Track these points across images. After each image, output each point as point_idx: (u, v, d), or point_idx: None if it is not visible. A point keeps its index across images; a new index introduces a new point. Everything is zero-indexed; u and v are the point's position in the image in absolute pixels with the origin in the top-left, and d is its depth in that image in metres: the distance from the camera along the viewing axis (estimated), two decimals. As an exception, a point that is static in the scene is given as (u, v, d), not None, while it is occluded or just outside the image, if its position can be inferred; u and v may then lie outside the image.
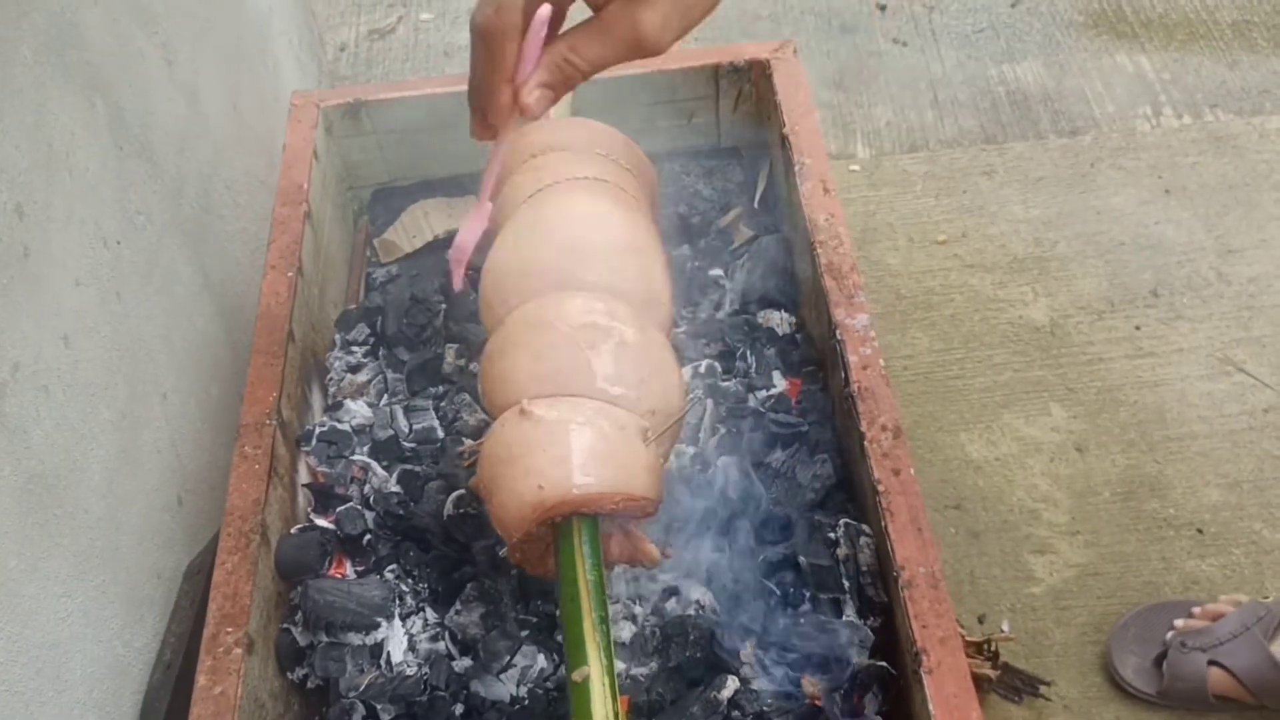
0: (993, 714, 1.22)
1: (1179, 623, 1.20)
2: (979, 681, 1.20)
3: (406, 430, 1.00)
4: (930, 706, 0.73)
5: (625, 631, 0.87)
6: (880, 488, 0.84)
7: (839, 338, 0.93)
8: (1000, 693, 1.22)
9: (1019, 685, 1.22)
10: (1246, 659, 1.14)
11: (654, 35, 0.60)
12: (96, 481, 0.90)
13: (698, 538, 0.90)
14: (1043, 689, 1.22)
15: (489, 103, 0.66)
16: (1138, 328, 1.54)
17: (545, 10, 0.63)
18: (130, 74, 1.04)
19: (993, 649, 1.19)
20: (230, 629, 0.83)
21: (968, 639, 1.20)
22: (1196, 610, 1.21)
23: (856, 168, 1.80)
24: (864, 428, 0.87)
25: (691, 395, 1.01)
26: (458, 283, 0.84)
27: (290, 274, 1.04)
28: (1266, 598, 1.21)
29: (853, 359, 0.92)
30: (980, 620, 1.29)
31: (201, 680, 0.80)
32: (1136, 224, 1.66)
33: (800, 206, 1.03)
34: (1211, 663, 1.15)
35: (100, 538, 0.89)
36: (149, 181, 1.06)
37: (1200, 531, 1.33)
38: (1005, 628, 1.27)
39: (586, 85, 1.16)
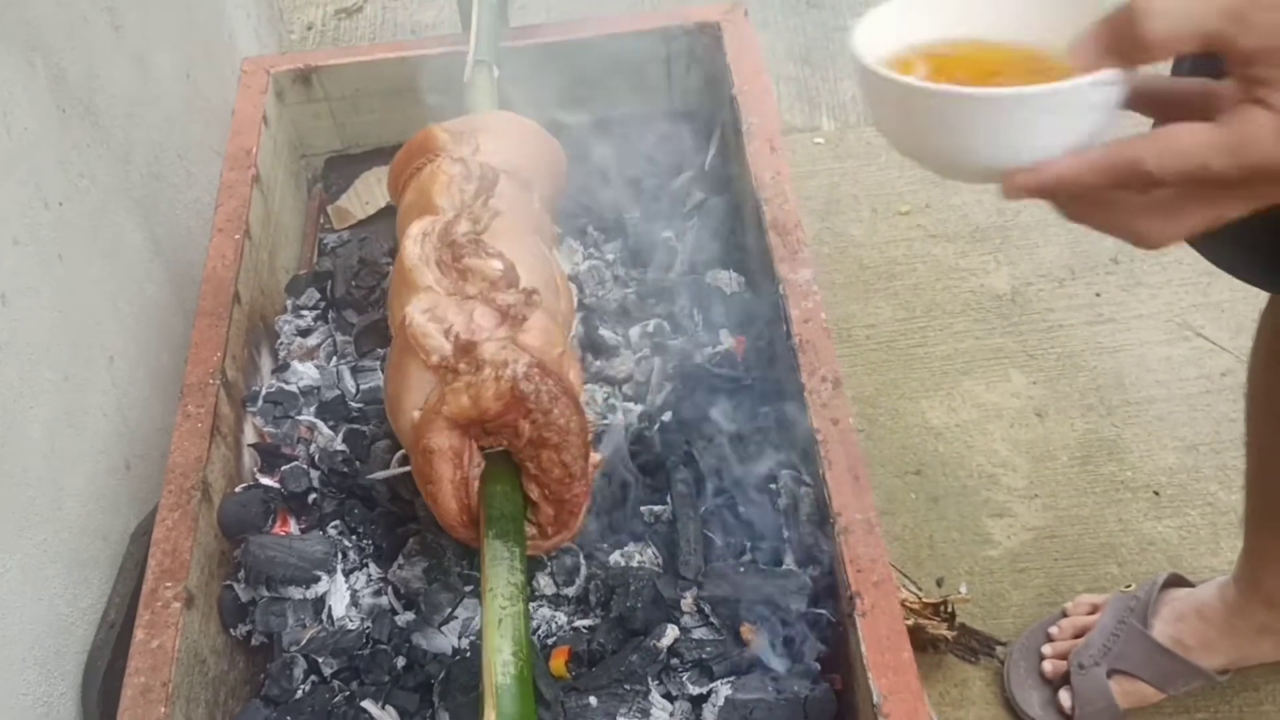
0: (949, 674, 1.22)
1: (1046, 648, 1.18)
2: (936, 642, 1.20)
3: (354, 390, 1.00)
4: (863, 648, 0.73)
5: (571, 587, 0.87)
6: (819, 437, 0.84)
7: (782, 292, 0.93)
8: (957, 654, 1.22)
9: (975, 646, 1.22)
10: (1139, 655, 1.12)
11: None
12: (37, 440, 0.89)
13: (643, 491, 0.90)
14: (999, 650, 1.22)
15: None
16: (1098, 294, 1.54)
17: None
18: (73, 37, 1.04)
19: (950, 610, 1.19)
20: (169, 584, 0.82)
21: (925, 600, 1.20)
22: (1062, 623, 1.19)
23: (821, 140, 1.80)
24: (804, 379, 0.87)
25: (639, 354, 1.01)
26: None
27: (237, 237, 1.04)
28: (1128, 587, 1.20)
29: (795, 312, 0.92)
30: (939, 583, 1.29)
31: (139, 634, 0.80)
32: (1098, 193, 1.66)
33: (747, 165, 1.03)
34: (1111, 672, 1.13)
35: (40, 497, 0.88)
36: (94, 145, 1.05)
37: (1157, 494, 1.34)
38: (963, 590, 1.28)
39: (541, 53, 1.16)
